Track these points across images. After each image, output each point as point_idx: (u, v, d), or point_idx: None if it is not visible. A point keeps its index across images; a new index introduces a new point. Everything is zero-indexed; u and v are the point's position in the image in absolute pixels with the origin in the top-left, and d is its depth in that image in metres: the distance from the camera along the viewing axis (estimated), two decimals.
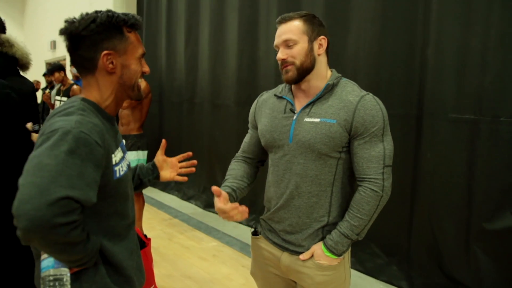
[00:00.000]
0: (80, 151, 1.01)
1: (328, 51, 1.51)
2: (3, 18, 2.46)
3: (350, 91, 1.47)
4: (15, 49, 2.39)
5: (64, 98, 5.24)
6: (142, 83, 4.06)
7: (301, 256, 1.49)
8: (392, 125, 3.04)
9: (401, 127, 3.08)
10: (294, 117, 1.48)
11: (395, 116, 3.10)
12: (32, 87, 2.58)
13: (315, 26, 1.45)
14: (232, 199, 1.54)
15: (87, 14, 1.17)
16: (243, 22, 4.41)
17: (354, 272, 3.37)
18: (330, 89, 1.46)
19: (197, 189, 5.42)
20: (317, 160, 1.44)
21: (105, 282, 1.17)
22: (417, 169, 3.01)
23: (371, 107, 1.43)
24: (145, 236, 3.13)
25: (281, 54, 1.44)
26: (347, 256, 1.54)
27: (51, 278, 1.08)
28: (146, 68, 1.26)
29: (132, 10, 6.62)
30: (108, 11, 1.17)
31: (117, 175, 1.17)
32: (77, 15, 1.17)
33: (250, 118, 1.69)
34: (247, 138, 1.71)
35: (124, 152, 1.27)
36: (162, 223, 4.57)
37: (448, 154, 2.81)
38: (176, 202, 5.55)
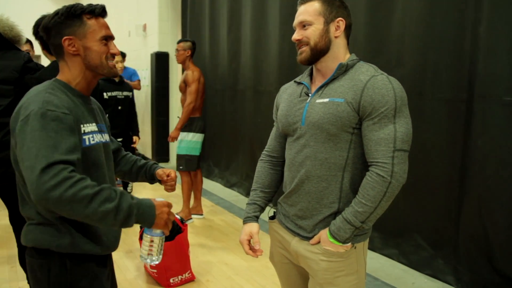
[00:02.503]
0: (51, 125, 1.19)
1: (348, 34, 1.48)
2: None
3: (364, 71, 1.40)
4: None
5: None
6: (192, 69, 4.13)
7: (311, 241, 1.46)
8: (439, 109, 2.91)
9: (449, 112, 2.88)
10: (308, 100, 1.46)
11: (442, 100, 2.91)
12: (25, 59, 2.47)
13: (333, 8, 1.42)
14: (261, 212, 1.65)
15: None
16: (284, 7, 4.30)
17: (397, 265, 3.24)
18: (344, 70, 1.42)
19: (239, 176, 5.41)
20: (327, 142, 1.40)
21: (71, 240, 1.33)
22: (466, 157, 2.80)
23: (381, 86, 1.34)
24: (182, 222, 3.15)
25: (296, 35, 1.45)
26: (362, 246, 1.47)
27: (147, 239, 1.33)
28: (114, 50, 1.41)
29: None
30: (71, 4, 1.36)
31: (86, 143, 1.33)
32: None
33: (274, 110, 1.68)
34: (272, 132, 1.71)
35: (100, 131, 1.44)
36: (204, 210, 4.58)
37: (501, 141, 2.58)
38: (219, 189, 5.58)
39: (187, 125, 4.19)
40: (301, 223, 1.49)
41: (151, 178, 1.70)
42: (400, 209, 3.23)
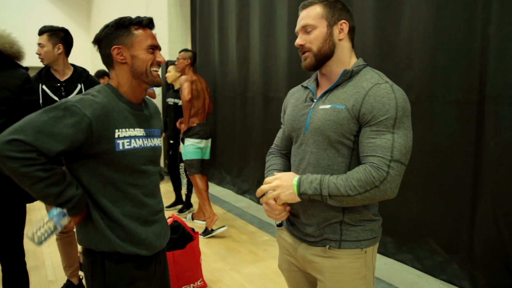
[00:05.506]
0: (65, 118, 1.29)
1: (352, 37, 1.46)
2: (71, 23, 2.40)
3: (368, 78, 1.37)
4: None
5: None
6: (184, 80, 4.20)
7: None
8: (450, 112, 2.88)
9: (460, 114, 2.84)
10: (312, 106, 1.45)
11: (453, 103, 2.88)
12: (23, 79, 2.29)
13: (335, 10, 1.41)
14: None
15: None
16: (292, 13, 4.31)
17: (412, 270, 3.19)
18: (349, 76, 1.40)
19: (251, 183, 5.40)
20: (329, 149, 1.38)
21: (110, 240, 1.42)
22: (479, 159, 2.76)
23: (383, 94, 1.31)
24: (193, 230, 3.15)
25: (298, 40, 1.43)
26: (371, 250, 1.44)
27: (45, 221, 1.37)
28: (160, 58, 1.49)
29: (186, 6, 6.73)
30: (120, 17, 1.48)
31: (120, 147, 1.40)
32: (134, 15, 1.51)
33: (282, 114, 1.69)
34: (279, 133, 1.70)
35: (149, 135, 1.52)
36: None
37: None
38: (231, 196, 5.58)
39: (185, 132, 4.30)
40: (306, 230, 1.47)
41: None
42: (413, 213, 3.19)
